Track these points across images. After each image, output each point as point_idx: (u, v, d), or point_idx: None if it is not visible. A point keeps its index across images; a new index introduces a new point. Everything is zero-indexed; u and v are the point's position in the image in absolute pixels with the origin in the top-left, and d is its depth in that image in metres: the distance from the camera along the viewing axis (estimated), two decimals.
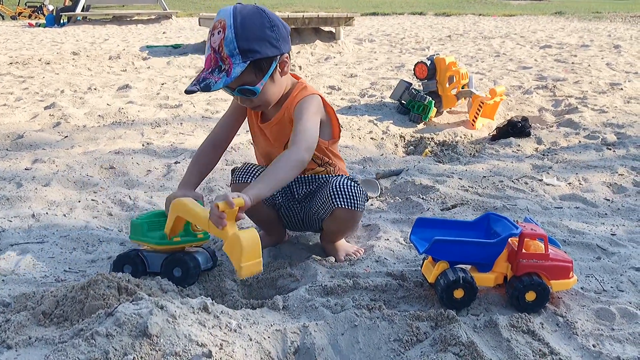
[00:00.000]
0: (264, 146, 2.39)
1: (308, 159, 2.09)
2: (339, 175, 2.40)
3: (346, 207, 2.22)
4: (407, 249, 2.46)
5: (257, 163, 2.49)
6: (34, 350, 1.57)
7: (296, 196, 2.43)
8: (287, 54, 2.15)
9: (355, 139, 4.39)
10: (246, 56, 2.01)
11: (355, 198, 2.24)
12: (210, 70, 2.04)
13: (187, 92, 2.01)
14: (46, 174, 3.39)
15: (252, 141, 2.53)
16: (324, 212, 2.30)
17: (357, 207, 2.25)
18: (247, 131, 2.50)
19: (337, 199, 2.22)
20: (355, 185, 2.27)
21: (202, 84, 2.00)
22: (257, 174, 2.32)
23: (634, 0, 32.84)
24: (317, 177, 2.40)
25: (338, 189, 2.23)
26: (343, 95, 5.97)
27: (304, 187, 2.41)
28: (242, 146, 3.93)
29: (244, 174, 2.33)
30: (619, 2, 31.98)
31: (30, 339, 1.62)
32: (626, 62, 8.09)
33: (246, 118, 2.41)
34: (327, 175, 2.39)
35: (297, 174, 2.09)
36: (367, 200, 2.45)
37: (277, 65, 2.12)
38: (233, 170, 2.41)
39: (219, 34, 2.01)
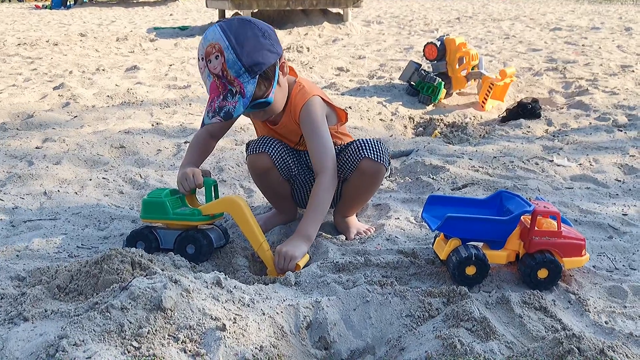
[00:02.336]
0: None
1: (336, 172, 2.24)
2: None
3: (373, 158, 2.25)
4: (418, 228, 2.46)
5: None
6: (50, 323, 1.58)
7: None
8: (282, 55, 2.15)
9: (364, 121, 4.37)
10: (253, 71, 2.01)
11: (381, 152, 2.29)
12: (222, 96, 2.03)
13: (206, 124, 2.07)
14: (57, 153, 3.40)
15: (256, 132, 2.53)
16: (349, 168, 2.30)
17: (383, 161, 2.28)
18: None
19: (364, 151, 2.26)
20: (381, 143, 2.33)
21: (222, 114, 2.01)
22: (272, 144, 2.32)
23: None
24: None
25: (365, 143, 2.29)
26: (352, 77, 5.95)
27: None
28: (251, 126, 3.93)
29: (259, 145, 2.33)
30: None
31: (46, 311, 1.64)
32: (638, 45, 8.01)
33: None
34: (341, 144, 2.41)
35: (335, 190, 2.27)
36: (390, 163, 2.48)
37: (279, 69, 2.13)
38: (248, 144, 2.41)
39: (217, 58, 1.99)
